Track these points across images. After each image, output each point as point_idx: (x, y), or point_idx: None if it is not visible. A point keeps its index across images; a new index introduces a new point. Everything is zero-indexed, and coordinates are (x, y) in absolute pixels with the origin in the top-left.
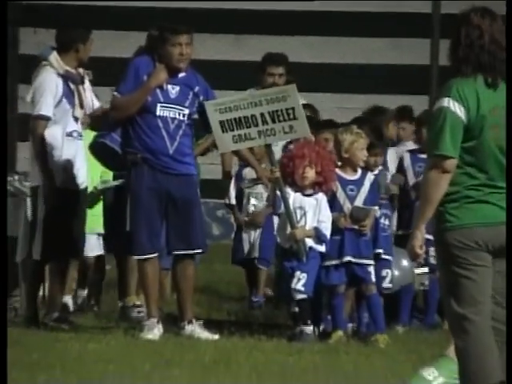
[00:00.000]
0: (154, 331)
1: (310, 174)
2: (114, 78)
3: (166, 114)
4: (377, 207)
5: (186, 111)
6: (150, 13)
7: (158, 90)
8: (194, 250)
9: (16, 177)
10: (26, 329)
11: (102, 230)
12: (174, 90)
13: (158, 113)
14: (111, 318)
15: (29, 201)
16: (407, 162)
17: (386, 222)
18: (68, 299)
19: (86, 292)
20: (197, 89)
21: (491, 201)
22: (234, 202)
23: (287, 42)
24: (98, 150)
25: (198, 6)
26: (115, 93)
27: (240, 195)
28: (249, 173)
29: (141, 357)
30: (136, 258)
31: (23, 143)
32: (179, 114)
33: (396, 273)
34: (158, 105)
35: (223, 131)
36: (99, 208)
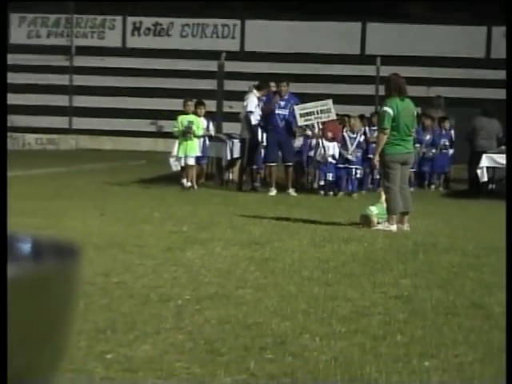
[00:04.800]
0: (273, 192)
1: (329, 134)
2: None
3: (279, 112)
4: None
5: (286, 111)
6: None
7: (276, 104)
8: (291, 162)
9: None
10: (235, 191)
11: None
12: (282, 103)
13: (276, 111)
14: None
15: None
16: (367, 129)
17: (359, 154)
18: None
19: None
20: (292, 102)
21: (401, 144)
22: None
23: None
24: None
25: None
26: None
27: None
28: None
29: (267, 202)
30: (269, 164)
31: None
32: (284, 112)
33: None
34: (276, 110)
35: (300, 117)
36: None
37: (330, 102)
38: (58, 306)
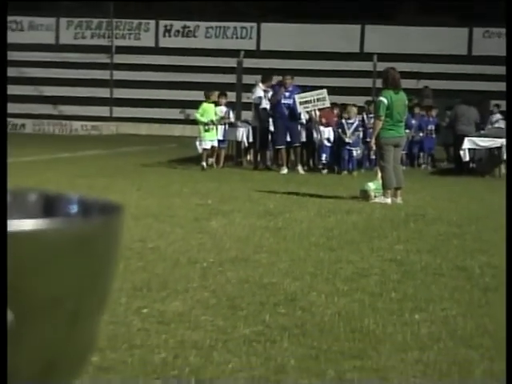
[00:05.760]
0: (285, 171)
1: (323, 120)
2: None
3: (285, 101)
4: (357, 132)
5: (291, 101)
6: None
7: (282, 95)
8: (298, 143)
9: (239, 123)
10: (252, 170)
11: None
12: (287, 94)
13: (282, 101)
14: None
15: (247, 127)
16: (365, 116)
17: (360, 135)
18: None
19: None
20: (296, 92)
21: (394, 129)
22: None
23: None
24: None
25: None
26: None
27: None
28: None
29: (279, 179)
30: (278, 147)
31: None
32: (288, 101)
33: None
34: (282, 100)
35: (300, 104)
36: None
37: (324, 91)
38: (103, 256)
